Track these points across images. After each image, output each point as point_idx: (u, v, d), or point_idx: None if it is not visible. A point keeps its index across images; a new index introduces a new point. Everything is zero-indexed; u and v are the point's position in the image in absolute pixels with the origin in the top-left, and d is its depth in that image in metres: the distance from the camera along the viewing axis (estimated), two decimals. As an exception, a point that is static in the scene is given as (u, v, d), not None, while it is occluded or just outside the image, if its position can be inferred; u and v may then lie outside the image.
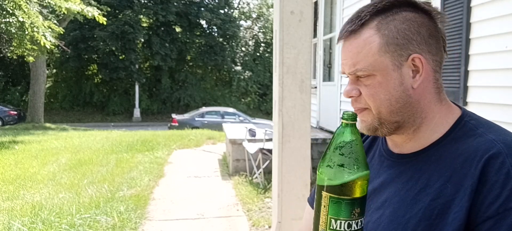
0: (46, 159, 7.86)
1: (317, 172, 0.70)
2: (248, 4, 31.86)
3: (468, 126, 0.79)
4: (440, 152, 0.78)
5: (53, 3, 12.02)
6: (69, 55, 23.57)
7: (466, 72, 3.61)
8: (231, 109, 18.51)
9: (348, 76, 0.82)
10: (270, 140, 4.97)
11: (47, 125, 18.15)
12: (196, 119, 16.71)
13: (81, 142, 10.39)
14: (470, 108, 3.25)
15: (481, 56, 3.50)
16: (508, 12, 3.16)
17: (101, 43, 23.47)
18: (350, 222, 0.67)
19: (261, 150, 5.71)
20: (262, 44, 30.01)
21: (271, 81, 7.57)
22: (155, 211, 4.60)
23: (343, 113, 0.70)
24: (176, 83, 27.38)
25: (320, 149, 6.19)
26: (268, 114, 24.24)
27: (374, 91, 0.78)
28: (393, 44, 0.77)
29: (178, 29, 26.87)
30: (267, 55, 28.64)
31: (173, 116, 17.26)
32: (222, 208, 4.75)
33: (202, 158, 8.16)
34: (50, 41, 11.25)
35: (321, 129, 7.58)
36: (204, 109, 18.53)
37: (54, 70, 26.97)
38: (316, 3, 7.82)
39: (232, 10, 29.55)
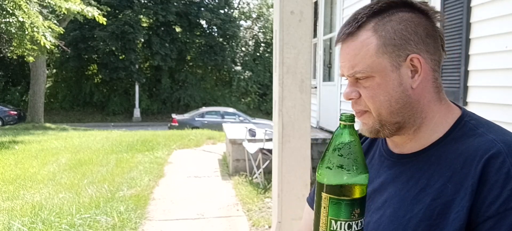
0: (46, 159, 7.86)
1: (317, 173, 0.70)
2: (248, 4, 31.89)
3: (468, 125, 0.79)
4: (440, 152, 0.78)
5: (53, 3, 12.01)
6: (69, 55, 23.57)
7: (466, 72, 3.61)
8: (231, 109, 18.51)
9: (347, 79, 0.82)
10: (270, 140, 4.96)
11: (47, 125, 18.15)
12: (196, 119, 16.71)
13: (81, 142, 10.39)
14: (470, 108, 3.25)
15: (481, 56, 3.50)
16: (508, 12, 3.16)
17: (101, 43, 23.47)
18: (350, 223, 0.67)
19: (261, 150, 5.71)
20: (262, 44, 30.01)
21: (271, 81, 7.57)
22: (155, 211, 4.60)
23: (341, 115, 0.70)
24: (176, 83, 27.39)
25: (320, 149, 6.19)
26: (268, 114, 24.24)
27: (374, 93, 0.78)
28: (390, 45, 0.77)
29: (178, 29, 26.87)
30: (267, 55, 28.64)
31: (173, 116, 17.26)
32: (222, 208, 4.75)
33: (202, 158, 8.16)
34: (50, 41, 11.25)
35: (321, 129, 7.58)
36: (204, 109, 18.53)
37: (54, 70, 26.98)
38: (316, 3, 7.82)
39: (232, 10, 29.55)
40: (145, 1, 25.88)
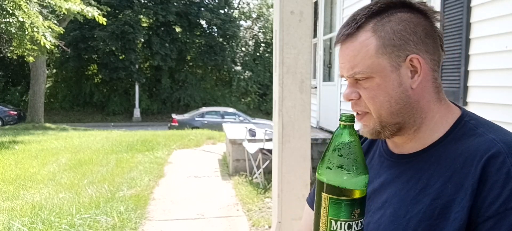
0: (46, 159, 7.86)
1: (317, 173, 0.70)
2: (248, 4, 31.88)
3: (468, 125, 0.79)
4: (440, 152, 0.78)
5: (53, 3, 12.01)
6: (69, 55, 23.57)
7: (466, 72, 3.61)
8: (231, 109, 18.51)
9: (346, 79, 0.82)
10: (270, 140, 4.96)
11: (47, 125, 18.15)
12: (196, 119, 16.71)
13: (81, 142, 10.39)
14: (470, 108, 3.25)
15: (481, 56, 3.50)
16: (508, 12, 3.16)
17: (101, 43, 23.47)
18: (350, 223, 0.67)
19: (261, 150, 5.71)
20: (262, 44, 30.01)
21: (271, 81, 7.57)
22: (155, 211, 4.60)
23: (341, 115, 0.70)
24: (176, 83, 27.39)
25: (320, 149, 6.19)
26: (268, 114, 24.24)
27: (374, 94, 0.78)
28: (390, 45, 0.77)
29: (178, 29, 26.87)
30: (267, 55, 28.65)
31: (173, 116, 17.26)
32: (222, 208, 4.75)
33: (202, 158, 8.16)
34: (50, 41, 11.25)
35: (321, 129, 7.58)
36: (204, 109, 18.52)
37: (54, 70, 26.98)
38: (316, 3, 7.82)
39: (232, 10, 29.55)
40: (145, 1, 25.88)
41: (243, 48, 30.02)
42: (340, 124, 0.70)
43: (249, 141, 6.31)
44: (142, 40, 25.16)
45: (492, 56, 3.40)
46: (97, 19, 12.50)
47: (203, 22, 27.50)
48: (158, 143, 9.58)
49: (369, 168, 0.72)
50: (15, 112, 20.74)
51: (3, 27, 10.93)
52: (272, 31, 5.01)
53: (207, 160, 7.87)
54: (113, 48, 24.00)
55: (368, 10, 0.78)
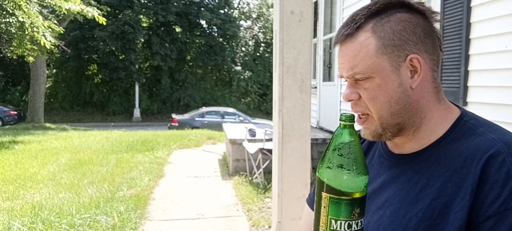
0: (46, 159, 7.86)
1: (317, 173, 0.70)
2: (248, 4, 31.88)
3: (468, 125, 0.79)
4: (440, 152, 0.78)
5: (53, 3, 12.01)
6: (69, 55, 23.56)
7: (466, 72, 3.61)
8: (231, 109, 18.51)
9: (346, 80, 0.82)
10: (270, 140, 4.97)
11: (47, 125, 18.15)
12: (196, 119, 16.71)
13: (81, 142, 10.39)
14: (470, 108, 3.25)
15: (481, 56, 3.50)
16: (508, 12, 3.16)
17: (101, 43, 23.47)
18: (350, 223, 0.67)
19: (261, 150, 5.71)
20: (262, 44, 30.01)
21: (271, 81, 7.57)
22: (155, 211, 4.60)
23: (341, 115, 0.70)
24: (176, 83, 27.39)
25: (320, 149, 6.19)
26: (268, 114, 24.24)
27: (374, 94, 0.78)
28: (390, 45, 0.77)
29: (178, 29, 26.87)
30: (267, 55, 28.65)
31: (173, 116, 17.26)
32: (222, 208, 4.75)
33: (202, 158, 8.16)
34: (50, 41, 11.25)
35: (321, 129, 7.58)
36: (204, 109, 18.52)
37: (54, 70, 26.97)
38: (316, 3, 7.82)
39: (232, 10, 29.55)
40: (145, 1, 25.88)
41: (243, 48, 30.02)
42: (340, 124, 0.70)
43: (249, 141, 6.31)
44: (142, 40, 25.16)
45: (492, 56, 3.40)
46: (97, 19, 12.50)
47: (203, 22, 27.50)
48: (158, 143, 9.58)
49: (369, 168, 0.72)
50: (15, 112, 20.74)
51: (3, 27, 10.93)
52: (272, 31, 5.01)
53: (207, 160, 7.87)
54: (113, 48, 24.00)
55: (367, 10, 0.79)
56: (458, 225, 0.70)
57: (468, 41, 3.56)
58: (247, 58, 29.26)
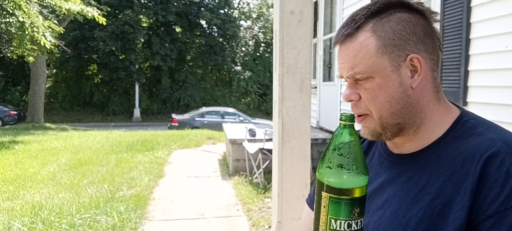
0: (46, 159, 7.86)
1: (317, 172, 0.70)
2: (248, 4, 31.88)
3: (467, 125, 0.79)
4: (439, 152, 0.78)
5: (53, 3, 12.02)
6: (69, 55, 23.57)
7: (466, 72, 3.61)
8: (231, 109, 18.51)
9: (346, 80, 0.82)
10: (270, 140, 4.97)
11: (47, 125, 18.15)
12: (196, 119, 16.71)
13: (81, 142, 10.39)
14: (470, 108, 3.26)
15: (481, 56, 3.50)
16: (508, 12, 3.16)
17: (101, 43, 23.47)
18: (350, 222, 0.67)
19: (261, 150, 5.71)
20: (262, 44, 30.01)
21: (271, 81, 7.57)
22: (155, 211, 4.60)
23: (341, 115, 0.70)
24: (176, 83, 27.39)
25: (320, 149, 6.19)
26: (268, 114, 24.24)
27: (374, 95, 0.78)
28: (390, 45, 0.77)
29: (178, 29, 26.87)
30: (267, 55, 28.65)
31: (173, 116, 17.26)
32: (222, 208, 4.75)
33: (202, 158, 8.16)
34: (50, 41, 11.25)
35: (321, 129, 7.58)
36: (204, 109, 18.52)
37: (54, 70, 26.97)
38: (316, 3, 7.82)
39: (232, 10, 29.55)
40: (145, 1, 25.88)
41: (243, 48, 30.02)
42: (340, 124, 0.70)
43: (249, 141, 6.31)
44: (142, 40, 25.16)
45: (492, 56, 3.40)
46: (97, 19, 12.50)
47: (203, 22, 27.50)
48: (158, 143, 9.58)
49: (369, 168, 0.72)
50: (15, 112, 20.74)
51: (3, 27, 10.93)
52: (272, 31, 5.01)
53: (207, 160, 7.87)
54: (113, 48, 24.00)
55: (367, 10, 0.79)
56: (458, 225, 0.70)
57: (468, 41, 3.56)
58: (247, 58, 29.26)
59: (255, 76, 28.03)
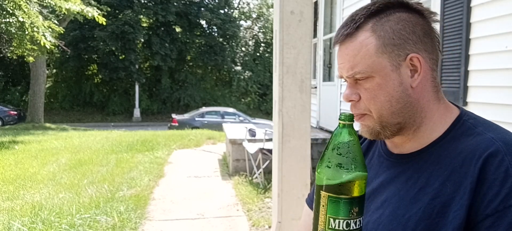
0: (46, 159, 7.86)
1: (316, 172, 0.71)
2: (248, 4, 31.88)
3: (467, 124, 0.79)
4: (439, 151, 0.78)
5: (53, 3, 12.02)
6: (69, 55, 23.57)
7: (466, 72, 3.61)
8: (231, 109, 18.51)
9: (346, 80, 0.82)
10: (270, 140, 4.97)
11: (47, 125, 18.16)
12: (196, 119, 16.71)
13: (81, 142, 10.39)
14: (470, 108, 3.26)
15: (481, 56, 3.50)
16: (508, 12, 3.16)
17: (101, 43, 23.47)
18: (349, 221, 0.67)
19: (261, 150, 5.72)
20: (262, 44, 30.01)
21: (271, 81, 7.57)
22: (155, 211, 4.60)
23: (340, 115, 0.70)
24: (176, 83, 27.39)
25: (320, 149, 6.19)
26: (268, 114, 24.24)
27: (374, 94, 0.78)
28: (390, 44, 0.77)
29: (178, 29, 26.87)
30: (267, 55, 28.65)
31: (173, 116, 17.26)
32: (222, 208, 4.75)
33: (202, 158, 8.16)
34: (50, 41, 11.26)
35: (321, 129, 7.58)
36: (204, 109, 18.52)
37: (54, 70, 26.98)
38: (316, 3, 7.82)
39: (232, 10, 29.55)
40: (145, 1, 25.88)
41: (243, 48, 30.02)
42: (339, 123, 0.70)
43: (249, 141, 6.31)
44: (142, 40, 25.16)
45: (492, 56, 3.40)
46: (97, 19, 12.50)
47: (203, 22, 27.50)
48: (158, 143, 9.58)
49: (369, 168, 0.72)
50: (15, 112, 20.74)
51: (3, 27, 10.94)
52: (272, 31, 5.01)
53: (207, 160, 7.87)
54: (113, 48, 24.00)
55: (366, 10, 0.79)
56: (457, 224, 0.70)
57: (468, 41, 3.56)
58: (247, 58, 29.27)
59: (255, 76, 28.04)
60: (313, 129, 7.09)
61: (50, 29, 11.74)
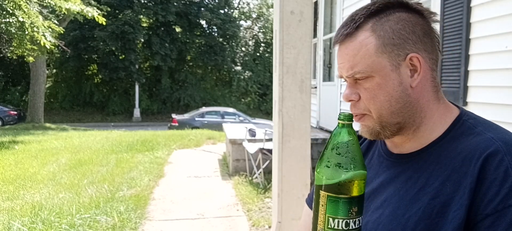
0: (46, 159, 7.86)
1: (315, 172, 0.71)
2: (248, 4, 31.88)
3: (467, 124, 0.79)
4: (439, 151, 0.78)
5: (53, 3, 12.02)
6: (69, 55, 23.57)
7: (466, 72, 3.61)
8: (231, 109, 18.51)
9: (345, 80, 0.82)
10: (270, 140, 4.97)
11: (47, 125, 18.15)
12: (196, 119, 16.71)
13: (81, 142, 10.39)
14: (470, 108, 3.26)
15: (481, 56, 3.50)
16: (508, 12, 3.16)
17: (101, 43, 23.48)
18: (348, 221, 0.67)
19: (261, 150, 5.71)
20: (262, 44, 30.01)
21: (271, 81, 7.57)
22: (155, 211, 4.60)
23: (340, 114, 0.70)
24: (176, 83, 27.39)
25: (320, 149, 6.19)
26: (268, 114, 24.24)
27: (374, 94, 0.78)
28: (390, 44, 0.77)
29: (178, 29, 26.87)
30: (267, 55, 28.65)
31: (173, 116, 17.26)
32: (222, 208, 4.75)
33: (202, 158, 8.16)
34: (50, 41, 11.26)
35: (321, 129, 7.58)
36: (204, 109, 18.53)
37: (54, 70, 26.98)
38: (316, 3, 7.82)
39: (232, 10, 29.55)
40: (145, 1, 25.88)
41: (243, 48, 30.02)
42: (338, 123, 0.70)
43: (249, 141, 6.31)
44: (142, 40, 25.16)
45: (492, 56, 3.40)
46: (97, 19, 12.50)
47: (203, 22, 27.50)
48: (158, 143, 9.58)
49: (368, 168, 0.72)
50: (15, 112, 20.74)
51: (3, 27, 10.94)
52: (272, 31, 5.01)
53: (207, 160, 7.87)
54: (113, 48, 24.00)
55: (366, 10, 0.79)
56: (456, 224, 0.70)
57: (468, 41, 3.56)
58: (247, 58, 29.27)
59: (255, 76, 28.04)
60: (313, 129, 7.09)
61: (50, 29, 11.74)
